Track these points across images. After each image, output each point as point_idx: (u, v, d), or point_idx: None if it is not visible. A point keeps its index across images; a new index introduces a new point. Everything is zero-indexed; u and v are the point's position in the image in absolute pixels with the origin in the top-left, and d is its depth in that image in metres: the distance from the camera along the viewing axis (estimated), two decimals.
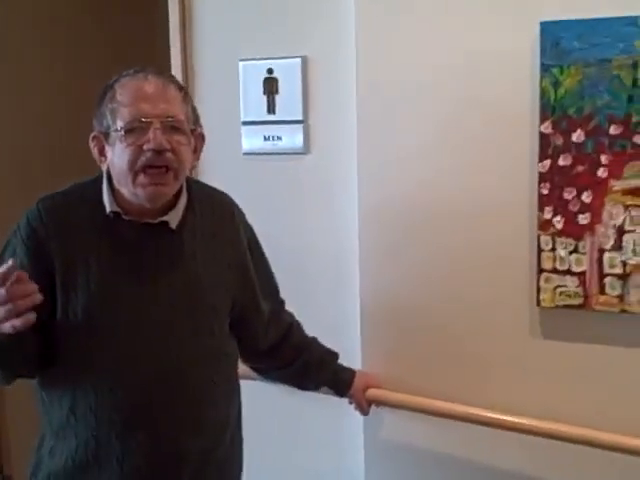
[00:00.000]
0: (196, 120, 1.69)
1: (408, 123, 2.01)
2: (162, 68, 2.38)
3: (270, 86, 2.21)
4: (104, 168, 1.66)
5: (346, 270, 2.15)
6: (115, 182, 1.64)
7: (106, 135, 1.61)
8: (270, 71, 2.20)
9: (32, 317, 1.44)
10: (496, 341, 1.98)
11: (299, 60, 2.16)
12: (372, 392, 2.07)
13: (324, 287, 2.23)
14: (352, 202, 2.10)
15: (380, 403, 2.09)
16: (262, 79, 2.22)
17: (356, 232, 2.10)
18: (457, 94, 1.94)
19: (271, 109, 2.22)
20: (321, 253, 2.19)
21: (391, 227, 2.07)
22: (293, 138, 2.21)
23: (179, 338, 1.65)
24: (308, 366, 1.98)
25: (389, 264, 2.08)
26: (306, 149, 2.21)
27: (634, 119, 1.75)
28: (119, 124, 1.57)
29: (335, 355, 2.03)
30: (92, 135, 1.65)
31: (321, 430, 2.32)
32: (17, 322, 1.42)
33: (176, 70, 2.33)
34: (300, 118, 2.20)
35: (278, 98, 2.22)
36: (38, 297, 1.45)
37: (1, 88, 3.07)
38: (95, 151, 1.65)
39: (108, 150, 1.62)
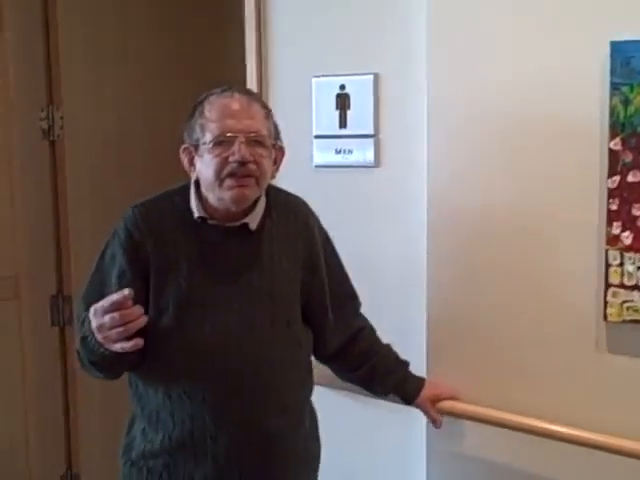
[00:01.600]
0: (277, 135, 1.86)
1: (477, 139, 2.06)
2: (238, 84, 2.50)
3: (342, 101, 2.28)
4: (193, 177, 1.83)
5: (414, 281, 2.19)
6: (203, 189, 1.81)
7: (196, 147, 1.79)
8: (342, 87, 2.27)
9: (140, 342, 1.67)
10: (562, 355, 2.00)
11: (371, 77, 2.23)
12: (447, 404, 2.09)
13: (392, 297, 2.28)
14: (421, 215, 2.15)
15: (452, 415, 2.10)
16: (335, 94, 2.29)
17: (424, 244, 2.15)
18: (526, 111, 1.98)
19: (343, 123, 2.29)
20: (389, 264, 2.24)
21: (459, 240, 2.11)
22: (364, 152, 2.27)
23: (260, 329, 1.81)
24: (375, 372, 2.03)
25: (456, 276, 2.12)
26: (376, 162, 2.27)
27: None
28: (208, 138, 1.74)
29: (404, 363, 2.08)
30: (183, 147, 1.83)
31: (385, 439, 2.36)
32: (127, 345, 1.66)
33: (252, 86, 2.41)
34: (371, 132, 2.26)
35: (350, 113, 2.29)
36: (144, 320, 1.67)
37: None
38: (185, 161, 1.83)
39: (197, 160, 1.79)
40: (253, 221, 1.83)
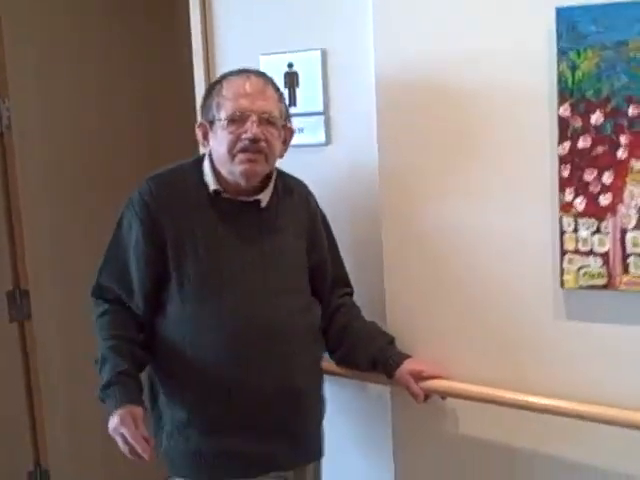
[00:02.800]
0: (287, 117, 2.00)
1: (427, 111, 2.04)
2: (183, 65, 2.46)
3: (291, 79, 2.25)
4: (207, 151, 1.97)
5: (370, 260, 2.18)
6: (216, 164, 1.94)
7: (211, 123, 1.92)
8: (290, 65, 2.24)
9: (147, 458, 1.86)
10: (521, 323, 2.01)
11: (319, 52, 2.20)
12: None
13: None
14: (374, 192, 2.14)
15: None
16: (283, 73, 2.26)
17: (379, 222, 2.14)
18: (475, 81, 1.97)
19: (292, 102, 2.26)
20: (344, 244, 2.21)
21: (413, 215, 2.10)
22: (315, 130, 2.25)
23: (274, 294, 1.95)
24: (356, 343, 2.07)
25: (413, 252, 2.12)
26: (327, 140, 2.26)
27: None
28: (223, 115, 1.88)
29: (388, 337, 2.10)
30: (199, 123, 1.97)
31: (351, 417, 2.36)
32: (131, 456, 1.87)
33: (198, 66, 2.39)
34: (321, 110, 2.24)
35: (298, 91, 2.26)
36: (148, 455, 1.85)
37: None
38: (200, 136, 1.97)
39: (211, 136, 1.93)
40: (264, 199, 1.96)
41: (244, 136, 1.85)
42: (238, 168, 1.89)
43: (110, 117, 3.24)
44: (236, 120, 1.86)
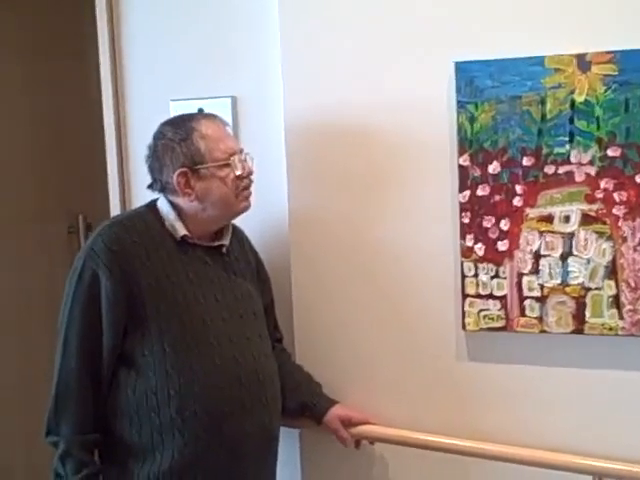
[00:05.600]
0: None
1: (335, 157, 2.10)
2: (95, 110, 2.46)
3: None
4: (189, 200, 1.91)
5: (278, 304, 2.20)
6: (197, 210, 1.92)
7: (195, 170, 1.89)
8: (201, 111, 2.26)
9: None
10: (426, 366, 2.06)
11: (229, 100, 2.23)
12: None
13: None
14: (284, 236, 2.18)
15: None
16: None
17: (289, 265, 2.18)
18: (381, 129, 2.04)
19: None
20: None
21: (323, 256, 2.14)
22: None
23: (251, 340, 1.96)
24: (284, 387, 2.05)
25: (323, 295, 2.16)
26: None
27: (544, 151, 1.87)
28: (214, 159, 1.89)
29: (316, 383, 2.12)
30: (179, 172, 1.89)
31: None
32: None
33: (108, 112, 2.39)
34: None
35: None
36: None
37: None
38: (182, 185, 1.90)
39: (197, 183, 1.89)
40: (227, 242, 1.99)
41: (242, 174, 1.92)
42: (241, 206, 1.95)
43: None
44: (229, 162, 1.90)
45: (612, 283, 1.85)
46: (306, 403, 2.08)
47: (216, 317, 1.91)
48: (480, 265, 1.96)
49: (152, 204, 1.98)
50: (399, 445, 2.05)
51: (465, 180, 1.95)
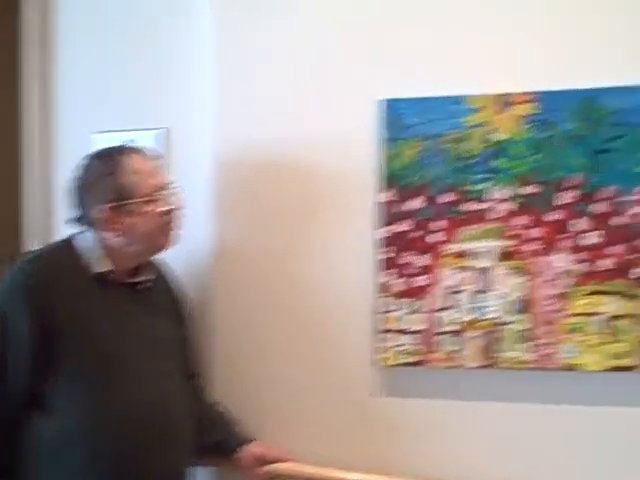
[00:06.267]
0: None
1: (263, 190, 2.12)
2: (21, 141, 2.44)
3: None
4: (114, 235, 1.89)
5: (200, 338, 2.17)
6: (123, 244, 1.89)
7: (118, 206, 1.86)
8: (131, 143, 2.26)
9: None
10: (342, 401, 2.05)
11: (162, 131, 2.25)
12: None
13: None
14: (208, 269, 2.18)
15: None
16: None
17: (212, 299, 2.16)
18: (307, 168, 2.08)
19: None
20: None
21: (247, 291, 2.13)
22: None
23: (171, 379, 1.94)
24: (202, 422, 1.99)
25: (243, 330, 2.13)
26: None
27: (464, 188, 1.93)
28: (143, 195, 1.88)
29: (231, 420, 2.07)
30: (106, 207, 1.86)
31: None
32: None
33: (33, 146, 2.40)
34: None
35: None
36: None
37: None
38: (108, 220, 1.87)
39: (124, 218, 1.87)
40: (147, 277, 1.96)
41: (168, 209, 1.90)
42: (166, 241, 1.93)
43: None
44: (157, 197, 1.89)
45: (524, 317, 1.89)
46: (221, 441, 2.03)
47: (132, 355, 1.88)
48: (398, 301, 1.98)
49: (69, 239, 1.95)
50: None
51: (386, 216, 1.99)
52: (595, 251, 1.85)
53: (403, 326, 1.97)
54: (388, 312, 1.98)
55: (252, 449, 2.02)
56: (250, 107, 2.13)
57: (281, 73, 2.10)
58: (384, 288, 1.99)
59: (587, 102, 1.85)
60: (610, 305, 1.85)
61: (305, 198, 2.09)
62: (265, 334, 2.11)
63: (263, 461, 2.02)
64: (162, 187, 1.92)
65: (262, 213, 2.13)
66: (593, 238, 1.86)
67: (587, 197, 1.86)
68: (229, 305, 2.15)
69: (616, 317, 1.84)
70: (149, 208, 1.89)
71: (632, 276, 1.84)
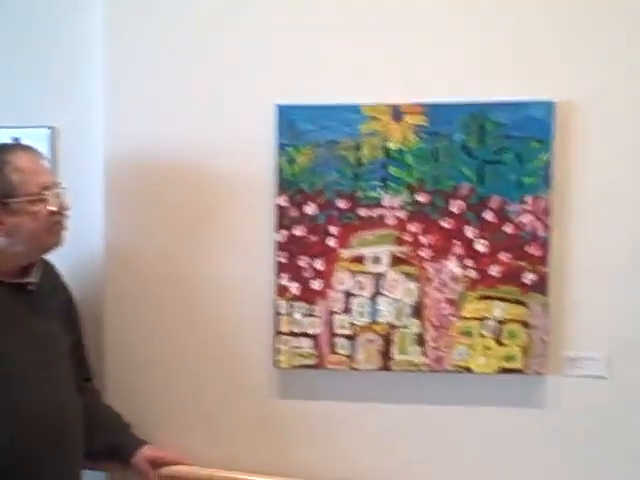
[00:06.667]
0: None
1: (155, 192, 2.10)
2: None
3: None
4: None
5: (90, 341, 2.14)
6: (6, 245, 1.82)
7: (7, 204, 1.80)
8: (17, 141, 2.19)
9: None
10: (238, 403, 2.08)
11: (48, 130, 2.18)
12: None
13: None
14: (98, 272, 2.14)
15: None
16: None
17: (102, 302, 2.13)
18: (203, 166, 2.07)
19: None
20: None
21: (137, 293, 2.12)
22: None
23: (58, 383, 1.89)
24: (91, 427, 1.96)
25: (135, 332, 2.12)
26: None
27: (358, 194, 1.97)
28: (30, 192, 1.82)
29: (125, 423, 2.06)
30: None
31: None
32: None
33: None
34: None
35: None
36: None
37: None
38: None
39: (7, 218, 1.81)
40: (34, 279, 1.89)
41: (57, 208, 1.85)
42: (52, 241, 1.88)
43: None
44: (44, 196, 1.83)
45: (417, 321, 1.95)
46: (113, 444, 2.02)
47: (20, 357, 1.83)
48: (294, 304, 2.01)
49: None
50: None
51: (282, 220, 2.00)
52: (484, 258, 1.93)
53: (299, 329, 2.01)
54: (284, 315, 2.01)
55: (146, 452, 2.01)
56: (142, 108, 2.09)
57: (175, 75, 2.07)
58: (282, 291, 2.01)
59: (475, 116, 1.91)
60: (499, 310, 1.93)
61: (203, 200, 2.08)
62: (160, 336, 2.11)
63: (157, 464, 2.02)
64: (49, 186, 1.86)
65: (156, 215, 2.10)
66: (482, 246, 1.93)
67: (476, 206, 1.93)
68: (120, 307, 2.13)
69: (505, 321, 1.93)
70: (36, 208, 1.83)
71: (520, 282, 1.93)
